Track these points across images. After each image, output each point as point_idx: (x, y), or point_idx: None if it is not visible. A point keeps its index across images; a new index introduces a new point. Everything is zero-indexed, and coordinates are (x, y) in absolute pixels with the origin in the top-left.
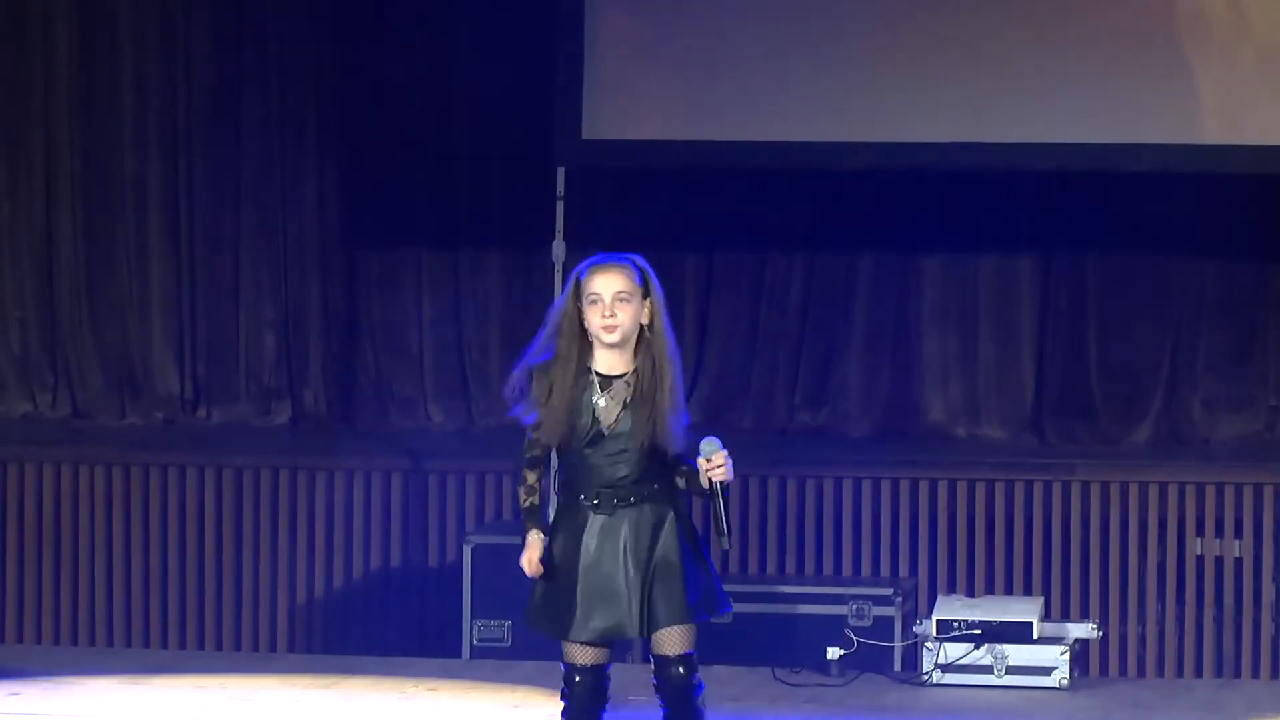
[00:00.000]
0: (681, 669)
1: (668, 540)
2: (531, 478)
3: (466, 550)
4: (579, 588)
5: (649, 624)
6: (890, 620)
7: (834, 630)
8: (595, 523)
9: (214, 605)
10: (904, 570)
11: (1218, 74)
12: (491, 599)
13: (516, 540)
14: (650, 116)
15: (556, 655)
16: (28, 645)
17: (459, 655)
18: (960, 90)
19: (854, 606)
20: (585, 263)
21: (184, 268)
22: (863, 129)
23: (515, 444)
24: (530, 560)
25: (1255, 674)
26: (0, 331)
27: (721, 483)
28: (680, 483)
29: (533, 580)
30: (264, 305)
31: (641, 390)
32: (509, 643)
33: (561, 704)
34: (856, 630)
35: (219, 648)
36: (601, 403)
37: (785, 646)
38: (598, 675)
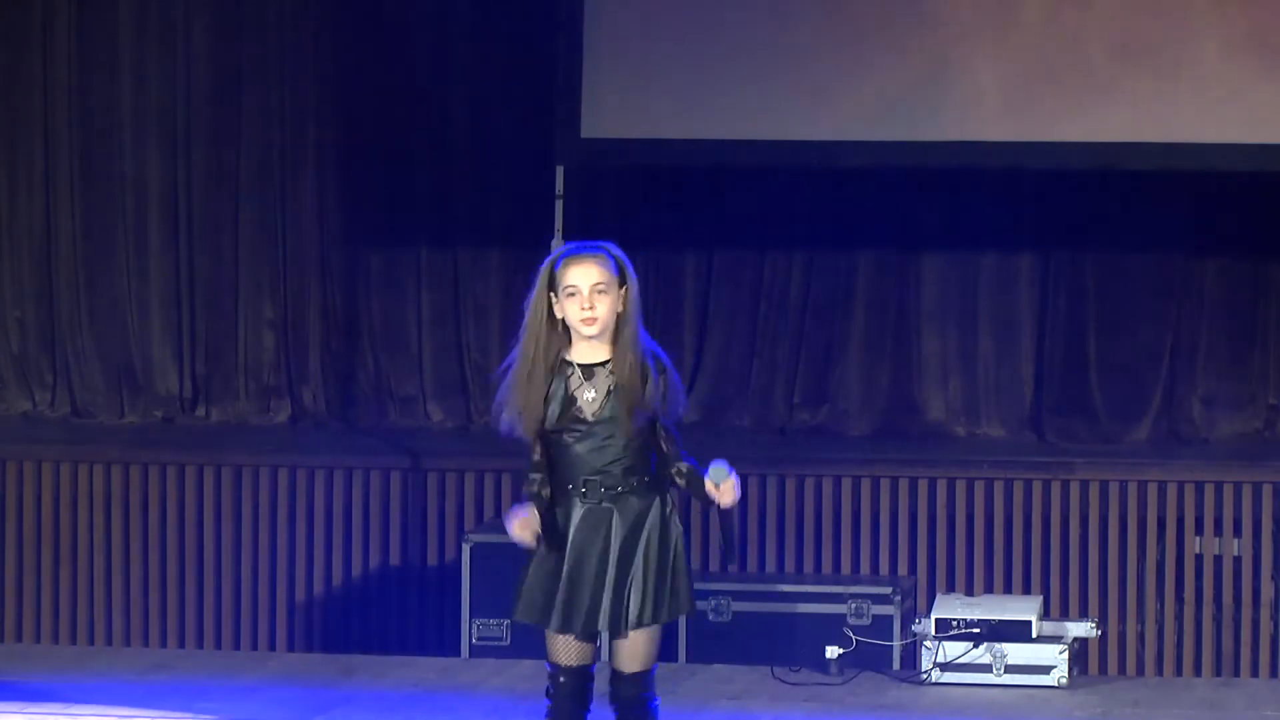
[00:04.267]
0: (635, 687)
1: (650, 537)
2: (538, 478)
3: (466, 549)
4: (562, 577)
5: (616, 623)
6: (889, 619)
7: (833, 629)
8: (581, 512)
9: (214, 604)
10: (903, 569)
11: (1217, 72)
12: (491, 598)
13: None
14: (649, 115)
15: None
16: (28, 645)
17: (458, 654)
18: (960, 89)
19: (853, 605)
20: (558, 252)
21: (183, 267)
22: (862, 127)
23: (514, 443)
24: (520, 521)
25: (1255, 672)
26: (0, 330)
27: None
28: (680, 482)
29: (520, 566)
30: (263, 304)
31: (621, 380)
32: (508, 642)
33: (546, 704)
34: (855, 629)
35: (219, 647)
36: (584, 393)
37: (784, 645)
38: (581, 676)
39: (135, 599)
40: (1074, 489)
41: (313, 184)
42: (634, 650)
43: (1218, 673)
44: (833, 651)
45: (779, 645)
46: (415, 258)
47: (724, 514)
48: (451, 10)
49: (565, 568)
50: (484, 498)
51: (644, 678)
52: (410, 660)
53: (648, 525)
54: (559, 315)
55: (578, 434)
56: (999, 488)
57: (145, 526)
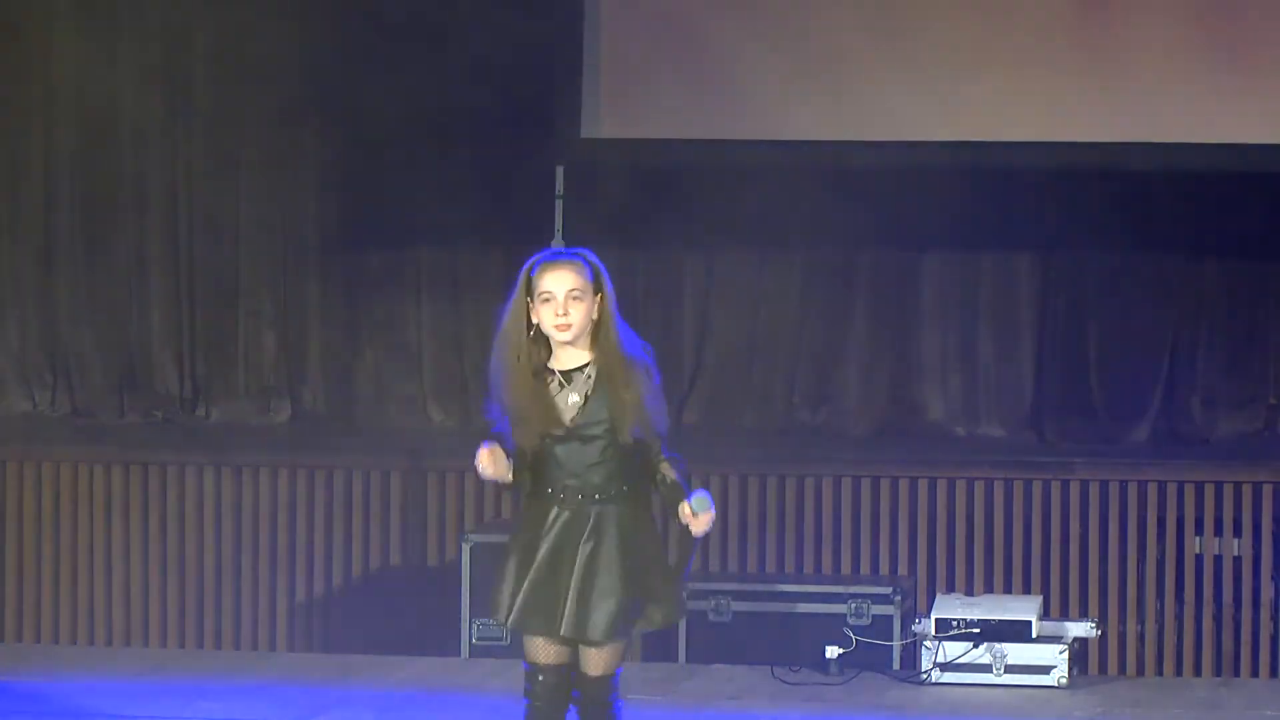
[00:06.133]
0: (600, 690)
1: (623, 546)
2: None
3: (465, 549)
4: (528, 578)
5: (578, 630)
6: (889, 619)
7: (833, 629)
8: (558, 516)
9: (214, 604)
10: (903, 569)
11: (1216, 73)
12: (490, 598)
13: None
14: (649, 115)
15: None
16: (27, 645)
17: (458, 654)
18: (961, 89)
19: (853, 605)
20: (535, 258)
21: (183, 267)
22: (863, 128)
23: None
24: (487, 452)
25: (1254, 672)
26: (0, 330)
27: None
28: (660, 490)
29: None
30: (263, 304)
31: (603, 386)
32: (507, 642)
33: (524, 704)
34: (855, 629)
35: (219, 647)
36: (565, 398)
37: (784, 645)
38: (559, 675)
39: (135, 599)
40: (1074, 489)
41: (313, 184)
42: (598, 657)
43: (1217, 673)
44: (833, 651)
45: (779, 645)
46: (415, 258)
47: (689, 542)
48: (451, 10)
49: (533, 570)
50: (484, 498)
51: (607, 681)
52: (410, 660)
53: (622, 533)
54: (535, 321)
55: (559, 440)
56: (999, 488)
57: (145, 526)
